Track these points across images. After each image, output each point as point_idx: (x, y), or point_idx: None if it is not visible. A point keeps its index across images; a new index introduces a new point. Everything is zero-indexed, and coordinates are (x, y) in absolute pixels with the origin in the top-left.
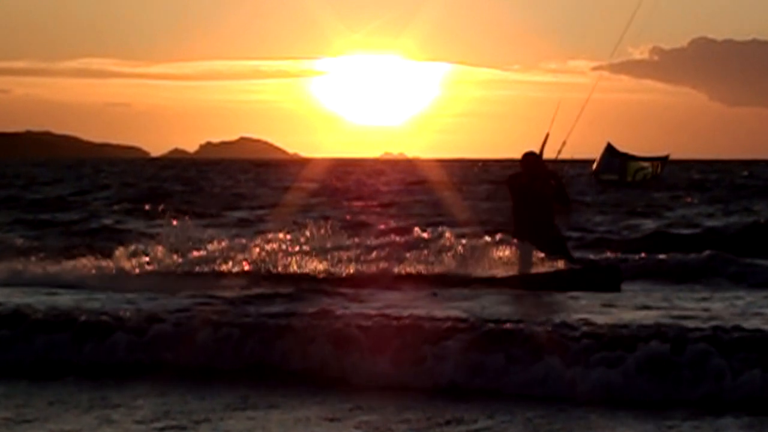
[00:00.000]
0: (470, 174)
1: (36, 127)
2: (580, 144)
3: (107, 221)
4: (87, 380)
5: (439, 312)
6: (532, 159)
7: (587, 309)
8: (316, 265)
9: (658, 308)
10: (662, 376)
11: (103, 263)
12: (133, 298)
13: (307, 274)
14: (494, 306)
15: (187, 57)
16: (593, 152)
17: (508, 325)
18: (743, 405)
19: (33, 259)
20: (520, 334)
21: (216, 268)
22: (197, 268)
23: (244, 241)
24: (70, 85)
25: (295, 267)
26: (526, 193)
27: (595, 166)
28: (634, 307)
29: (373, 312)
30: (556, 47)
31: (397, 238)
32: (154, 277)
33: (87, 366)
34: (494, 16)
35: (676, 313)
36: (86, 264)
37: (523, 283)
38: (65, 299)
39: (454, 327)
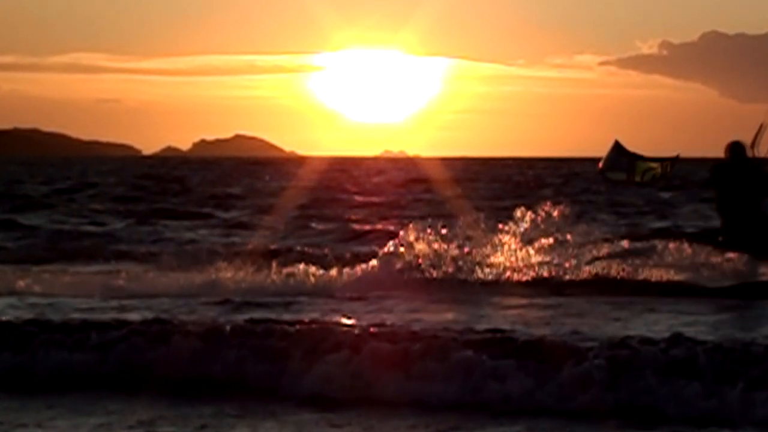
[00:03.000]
0: (471, 172)
1: (23, 124)
2: (584, 141)
3: (90, 222)
4: (82, 387)
5: (449, 323)
6: (739, 149)
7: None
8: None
9: (665, 312)
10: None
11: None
12: (134, 304)
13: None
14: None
15: (181, 52)
16: (598, 150)
17: (513, 335)
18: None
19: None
20: (526, 343)
21: (216, 271)
22: (195, 275)
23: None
24: (59, 81)
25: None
26: (735, 186)
27: (601, 164)
28: (641, 311)
29: (381, 321)
30: (562, 41)
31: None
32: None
33: (83, 373)
34: (497, 10)
35: (687, 319)
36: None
37: (743, 292)
38: (60, 307)
39: (457, 338)
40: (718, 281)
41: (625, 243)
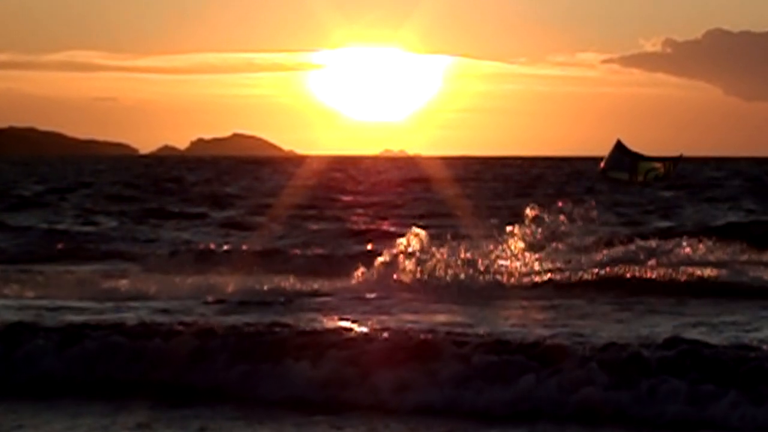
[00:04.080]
0: (472, 171)
1: (19, 123)
2: (586, 140)
3: (84, 222)
4: (76, 394)
5: (450, 326)
6: None
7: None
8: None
9: (670, 314)
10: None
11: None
12: (129, 305)
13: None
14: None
15: (178, 49)
16: (600, 149)
17: (513, 338)
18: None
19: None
20: (526, 346)
21: (211, 272)
22: (190, 276)
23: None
24: (55, 79)
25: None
26: None
27: (603, 163)
28: (645, 313)
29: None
30: (564, 39)
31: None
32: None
33: (76, 376)
34: (499, 7)
35: (691, 320)
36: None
37: None
38: (52, 309)
39: (444, 341)
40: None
41: (652, 243)
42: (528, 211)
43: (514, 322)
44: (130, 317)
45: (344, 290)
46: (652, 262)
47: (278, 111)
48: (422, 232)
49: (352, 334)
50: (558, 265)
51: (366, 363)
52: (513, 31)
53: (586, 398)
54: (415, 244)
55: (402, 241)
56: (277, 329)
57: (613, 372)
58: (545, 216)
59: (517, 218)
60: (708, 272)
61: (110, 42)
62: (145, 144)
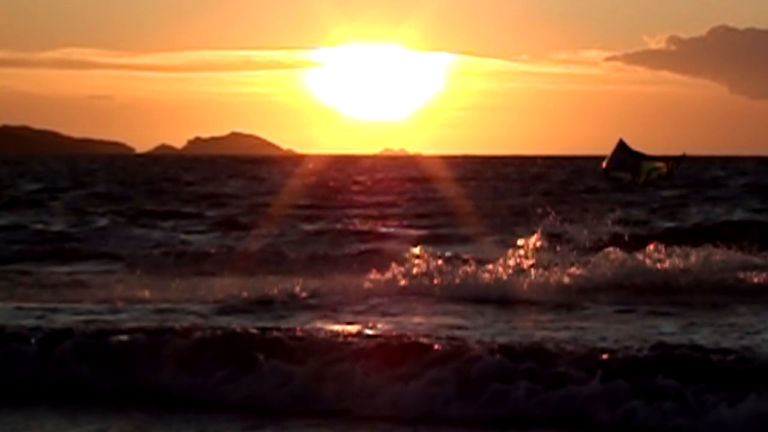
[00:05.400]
0: (473, 170)
1: (13, 121)
2: (589, 139)
3: (79, 223)
4: (70, 397)
5: (450, 331)
6: None
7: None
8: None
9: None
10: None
11: None
12: (124, 308)
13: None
14: None
15: (175, 47)
16: (603, 148)
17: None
18: None
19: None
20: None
21: (206, 274)
22: (184, 278)
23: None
24: (50, 77)
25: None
26: None
27: (605, 162)
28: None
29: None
30: (567, 36)
31: None
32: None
33: (68, 382)
34: (500, 3)
35: (695, 321)
36: None
37: None
38: (44, 312)
39: (443, 344)
40: None
41: (655, 243)
42: (536, 224)
43: (514, 325)
44: (122, 319)
45: (342, 291)
46: (655, 262)
47: (277, 109)
48: (422, 234)
49: (347, 336)
50: (562, 266)
51: (363, 366)
52: (515, 28)
53: (582, 403)
54: (414, 246)
55: (401, 241)
56: (273, 331)
57: (608, 377)
58: (554, 221)
59: (518, 217)
60: (712, 273)
61: (106, 39)
62: (142, 143)
